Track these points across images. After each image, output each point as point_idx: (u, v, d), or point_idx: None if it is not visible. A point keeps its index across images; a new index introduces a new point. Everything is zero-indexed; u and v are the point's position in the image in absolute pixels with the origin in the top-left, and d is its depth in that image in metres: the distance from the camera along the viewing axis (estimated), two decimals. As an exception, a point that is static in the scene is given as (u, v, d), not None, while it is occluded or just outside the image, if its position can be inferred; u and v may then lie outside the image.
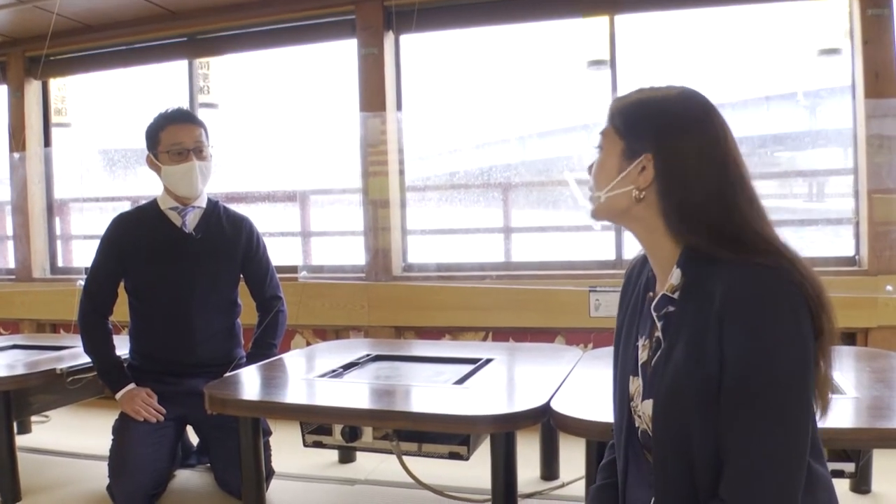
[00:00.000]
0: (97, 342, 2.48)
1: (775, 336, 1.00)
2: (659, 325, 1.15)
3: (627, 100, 1.18)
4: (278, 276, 2.70)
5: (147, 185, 3.33)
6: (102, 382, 2.54)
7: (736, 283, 1.02)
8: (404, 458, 2.04)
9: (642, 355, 1.19)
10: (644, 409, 1.16)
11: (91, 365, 2.53)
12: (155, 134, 2.46)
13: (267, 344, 2.57)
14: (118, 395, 2.43)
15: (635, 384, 1.20)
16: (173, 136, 2.43)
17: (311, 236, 4.00)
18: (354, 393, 2.07)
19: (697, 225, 1.08)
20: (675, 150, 1.10)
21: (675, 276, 1.12)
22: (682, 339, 1.07)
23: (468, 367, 2.26)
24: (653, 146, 1.11)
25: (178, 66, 3.96)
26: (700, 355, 1.04)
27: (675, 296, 1.12)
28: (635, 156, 1.13)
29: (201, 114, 3.75)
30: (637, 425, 1.20)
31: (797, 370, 1.00)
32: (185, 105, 3.65)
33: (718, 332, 1.02)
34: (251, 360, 2.51)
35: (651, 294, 1.20)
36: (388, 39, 3.50)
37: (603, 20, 3.24)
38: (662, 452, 1.09)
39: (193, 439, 2.76)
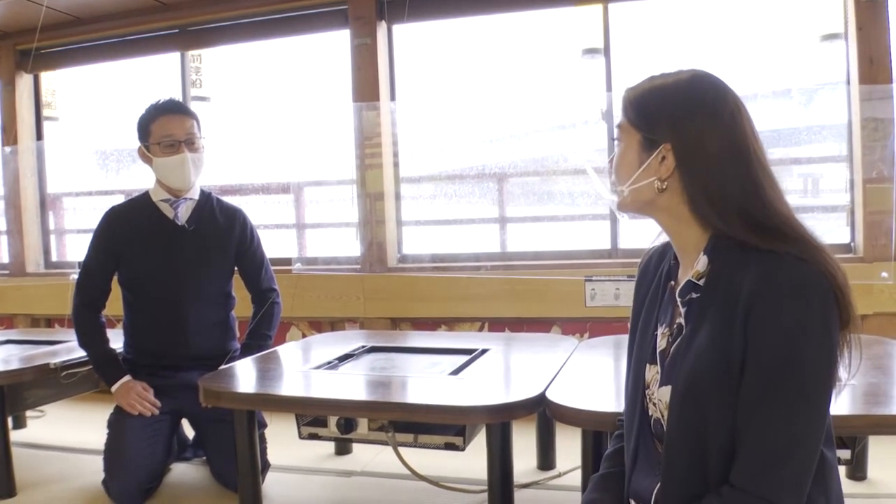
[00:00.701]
0: (91, 336, 2.47)
1: (804, 328, 0.99)
2: (682, 311, 1.14)
3: (638, 90, 1.15)
4: (273, 268, 2.69)
5: (141, 179, 3.32)
6: (97, 376, 2.53)
7: (766, 273, 1.01)
8: (400, 449, 2.04)
9: (661, 343, 1.18)
10: (661, 395, 1.15)
11: (85, 359, 2.52)
12: (146, 125, 2.44)
13: (262, 335, 2.56)
14: (113, 389, 2.42)
15: (652, 372, 1.19)
16: (164, 128, 2.42)
17: (305, 228, 3.99)
18: (350, 384, 2.06)
19: (727, 209, 1.06)
20: (692, 137, 1.08)
21: (702, 262, 1.11)
22: (706, 326, 1.06)
23: (464, 358, 2.25)
24: (670, 135, 1.09)
25: (170, 59, 3.94)
26: (723, 342, 1.03)
27: (701, 283, 1.11)
28: (654, 146, 1.11)
29: (193, 107, 3.73)
30: (651, 413, 1.19)
31: (823, 362, 0.99)
32: (178, 97, 3.62)
33: (744, 321, 1.01)
34: (246, 352, 2.50)
35: (673, 283, 1.19)
36: (381, 29, 3.48)
37: (596, 8, 3.23)
38: (675, 439, 1.08)
39: (189, 432, 2.75)
